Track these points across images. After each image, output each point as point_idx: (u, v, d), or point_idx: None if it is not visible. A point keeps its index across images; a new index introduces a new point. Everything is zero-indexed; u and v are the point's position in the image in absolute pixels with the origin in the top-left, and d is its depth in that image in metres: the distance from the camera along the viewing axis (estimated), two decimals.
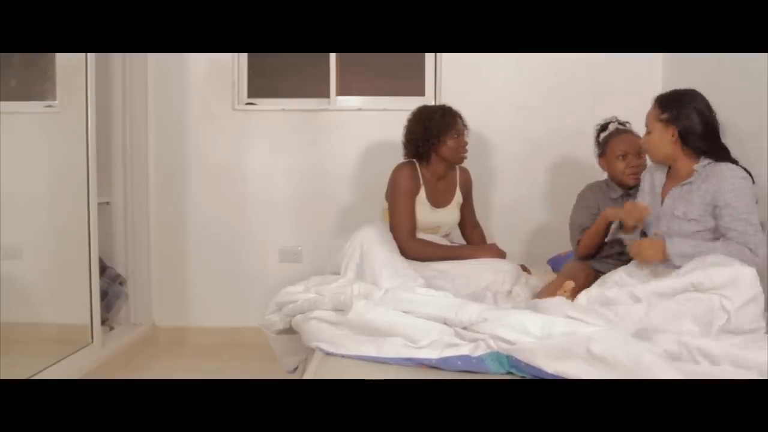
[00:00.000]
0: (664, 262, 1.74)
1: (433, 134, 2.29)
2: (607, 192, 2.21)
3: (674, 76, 2.89)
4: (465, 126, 2.37)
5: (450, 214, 2.40)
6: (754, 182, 1.79)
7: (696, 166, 1.84)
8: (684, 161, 1.87)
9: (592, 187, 2.28)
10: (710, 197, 1.78)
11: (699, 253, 1.68)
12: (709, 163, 1.83)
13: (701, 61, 2.50)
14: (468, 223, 2.52)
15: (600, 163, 2.25)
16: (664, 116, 1.86)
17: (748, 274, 1.54)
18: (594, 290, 1.78)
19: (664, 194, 1.92)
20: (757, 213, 1.75)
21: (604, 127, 2.27)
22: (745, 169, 1.79)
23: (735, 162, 1.82)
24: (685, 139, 1.84)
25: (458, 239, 2.54)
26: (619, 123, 2.26)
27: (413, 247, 2.21)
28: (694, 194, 1.81)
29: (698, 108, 1.84)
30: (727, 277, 1.54)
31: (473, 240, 2.53)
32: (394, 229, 2.24)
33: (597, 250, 2.15)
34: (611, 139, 2.20)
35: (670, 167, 1.94)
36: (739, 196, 1.74)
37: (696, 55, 2.52)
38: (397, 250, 2.10)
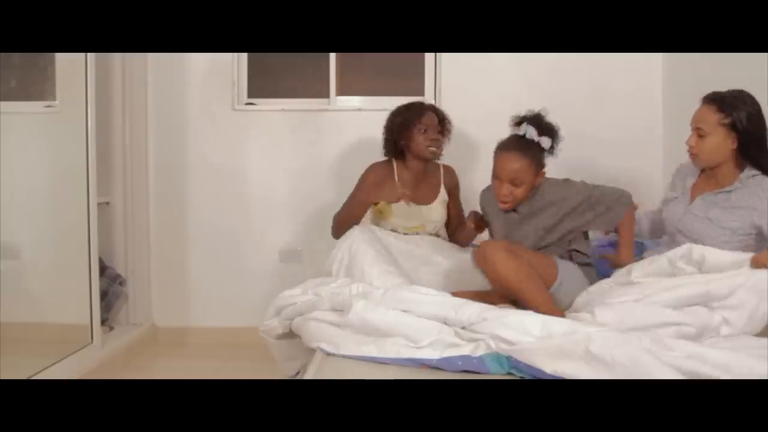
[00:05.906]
0: None
1: (400, 130, 2.29)
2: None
3: (674, 76, 2.90)
4: (444, 120, 2.36)
5: (435, 211, 2.38)
6: None
7: (741, 175, 1.77)
8: (729, 167, 1.79)
9: (488, 189, 2.09)
10: (756, 217, 1.71)
11: None
12: (754, 175, 1.76)
13: (701, 61, 2.50)
14: (454, 222, 2.47)
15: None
16: (728, 121, 1.73)
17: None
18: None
19: (693, 194, 1.86)
20: None
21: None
22: None
23: None
24: (744, 146, 1.74)
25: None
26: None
27: (335, 225, 2.37)
28: (734, 205, 1.75)
29: (758, 112, 1.74)
30: (731, 289, 1.51)
31: (460, 241, 2.49)
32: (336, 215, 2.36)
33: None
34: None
35: (703, 169, 1.87)
36: None
37: (696, 55, 2.52)
38: (384, 250, 2.09)
